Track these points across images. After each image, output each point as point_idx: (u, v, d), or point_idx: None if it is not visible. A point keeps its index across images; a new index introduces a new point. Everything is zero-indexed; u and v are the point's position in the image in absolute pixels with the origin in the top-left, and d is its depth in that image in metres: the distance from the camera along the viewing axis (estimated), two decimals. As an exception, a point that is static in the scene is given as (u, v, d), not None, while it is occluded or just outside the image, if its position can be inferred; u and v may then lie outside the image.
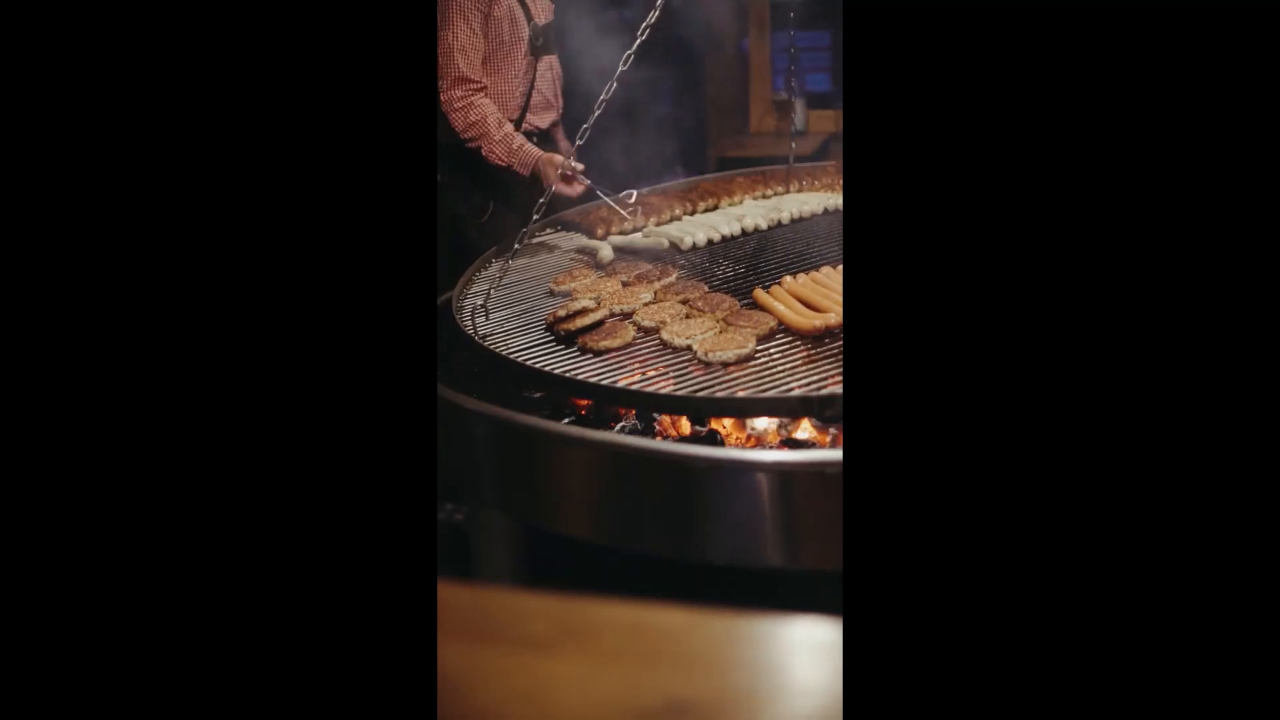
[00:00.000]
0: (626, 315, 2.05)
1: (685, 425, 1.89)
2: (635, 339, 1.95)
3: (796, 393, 1.68)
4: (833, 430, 1.82)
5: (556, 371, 1.87)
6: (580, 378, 1.83)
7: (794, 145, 3.01)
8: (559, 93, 3.08)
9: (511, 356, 1.93)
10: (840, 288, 2.04)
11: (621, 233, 2.63)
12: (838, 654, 0.63)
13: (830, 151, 4.11)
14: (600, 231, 2.63)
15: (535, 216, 2.20)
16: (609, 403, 1.86)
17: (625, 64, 2.04)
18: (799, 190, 2.90)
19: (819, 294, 2.01)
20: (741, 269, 2.33)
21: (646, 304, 2.09)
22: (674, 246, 2.49)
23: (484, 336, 2.04)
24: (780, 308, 1.97)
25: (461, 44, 2.81)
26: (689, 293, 2.11)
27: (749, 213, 2.68)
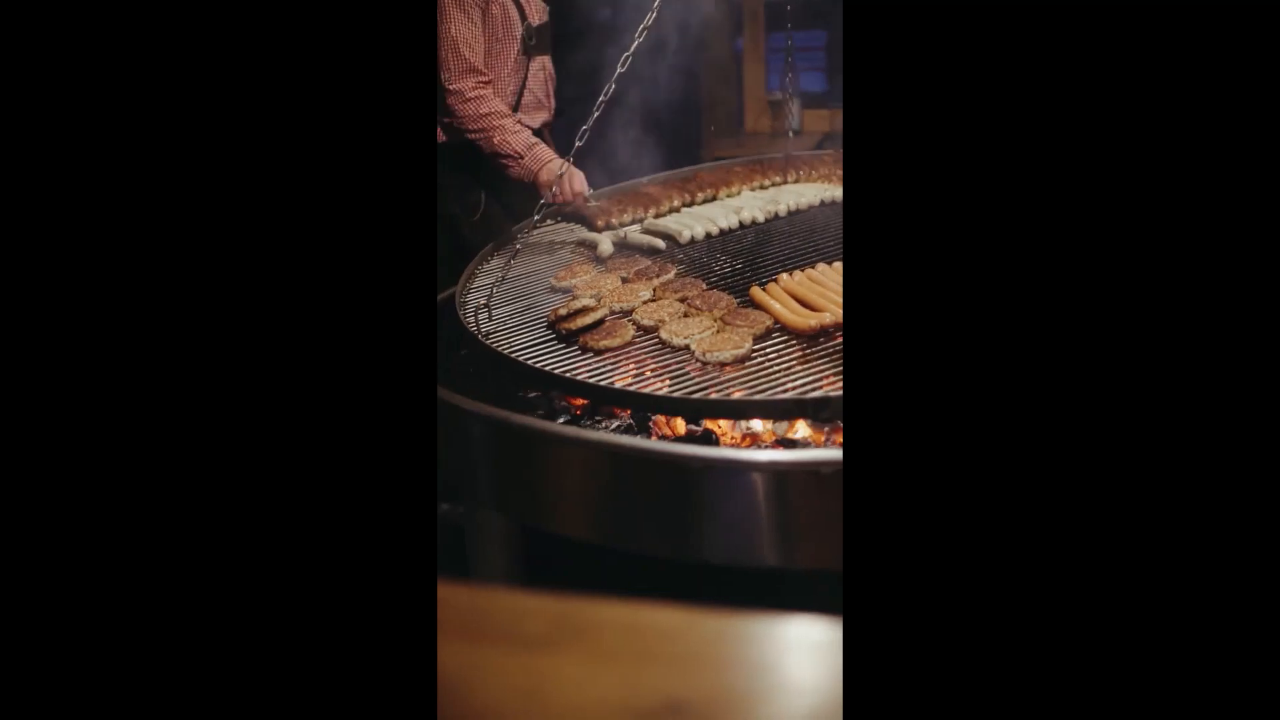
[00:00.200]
0: (626, 313, 2.07)
1: (681, 425, 1.90)
2: (634, 338, 1.97)
3: (791, 395, 1.69)
4: (828, 429, 1.83)
5: (557, 371, 1.87)
6: (580, 378, 1.83)
7: (791, 140, 3.01)
8: (551, 93, 3.07)
9: (515, 356, 1.94)
10: (835, 285, 2.05)
11: (621, 225, 2.64)
12: (833, 652, 0.63)
13: (825, 150, 4.10)
14: (600, 223, 2.64)
15: (535, 216, 2.20)
16: (607, 403, 1.86)
17: (623, 65, 2.04)
18: (796, 181, 2.91)
19: (815, 292, 2.02)
20: (739, 264, 2.33)
21: (645, 302, 2.10)
22: (672, 241, 2.50)
23: (487, 335, 2.05)
24: (776, 306, 1.98)
25: (465, 37, 2.80)
26: (687, 290, 2.12)
27: (746, 205, 2.68)
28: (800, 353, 1.85)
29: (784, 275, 2.15)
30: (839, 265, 2.17)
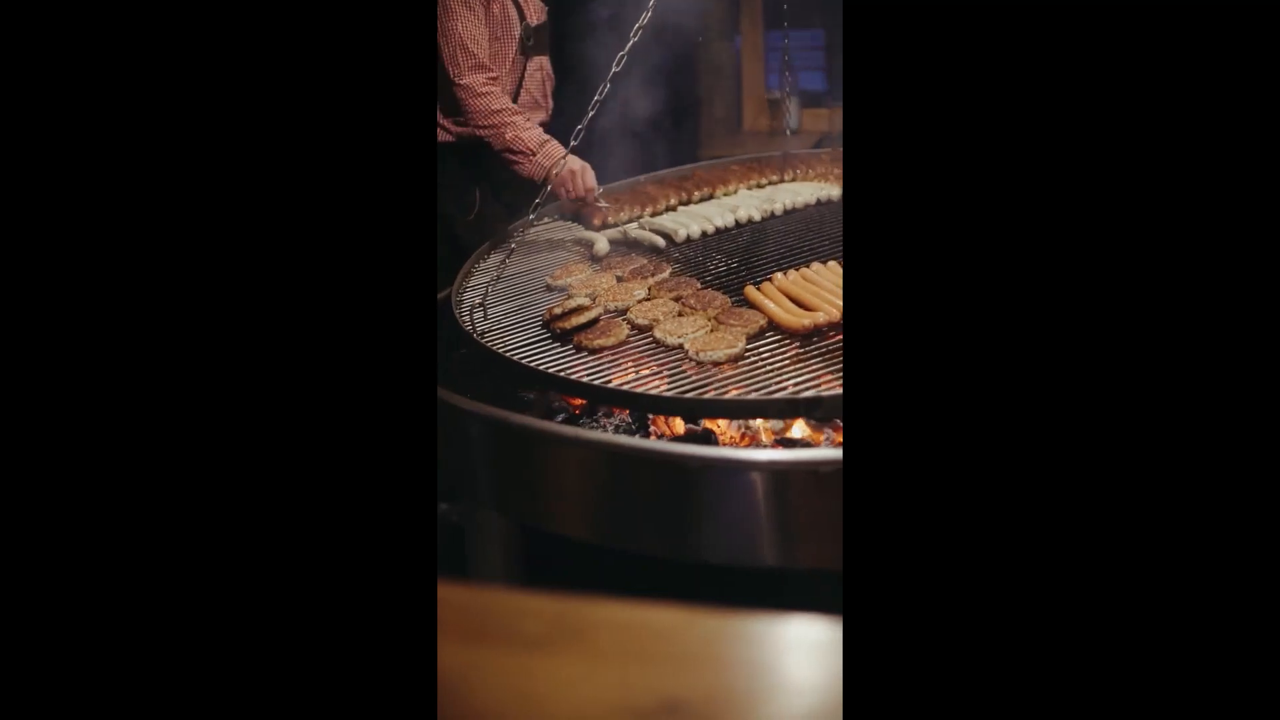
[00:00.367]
0: (620, 313, 2.07)
1: (680, 424, 1.90)
2: (629, 337, 1.97)
3: (785, 394, 1.68)
4: (827, 429, 1.83)
5: (550, 370, 1.87)
6: (573, 377, 1.84)
7: (789, 133, 3.00)
8: (548, 94, 3.06)
9: (509, 355, 1.94)
10: (830, 284, 2.05)
11: (617, 223, 2.64)
12: (832, 652, 0.63)
13: (823, 150, 4.11)
14: (597, 221, 2.64)
15: (530, 215, 2.21)
16: (599, 402, 1.86)
17: (618, 65, 2.04)
18: (793, 179, 2.91)
19: (808, 291, 2.03)
20: (734, 263, 2.34)
21: (640, 301, 2.10)
22: (668, 239, 2.50)
23: (483, 334, 2.05)
24: (770, 306, 1.99)
25: (472, 34, 2.79)
26: (682, 290, 2.13)
27: (743, 203, 2.68)
28: (794, 352, 1.85)
29: (778, 274, 2.16)
30: (834, 264, 2.17)
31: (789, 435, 1.84)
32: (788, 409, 1.70)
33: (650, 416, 1.91)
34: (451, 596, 0.71)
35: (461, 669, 0.63)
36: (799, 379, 1.73)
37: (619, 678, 0.62)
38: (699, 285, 2.16)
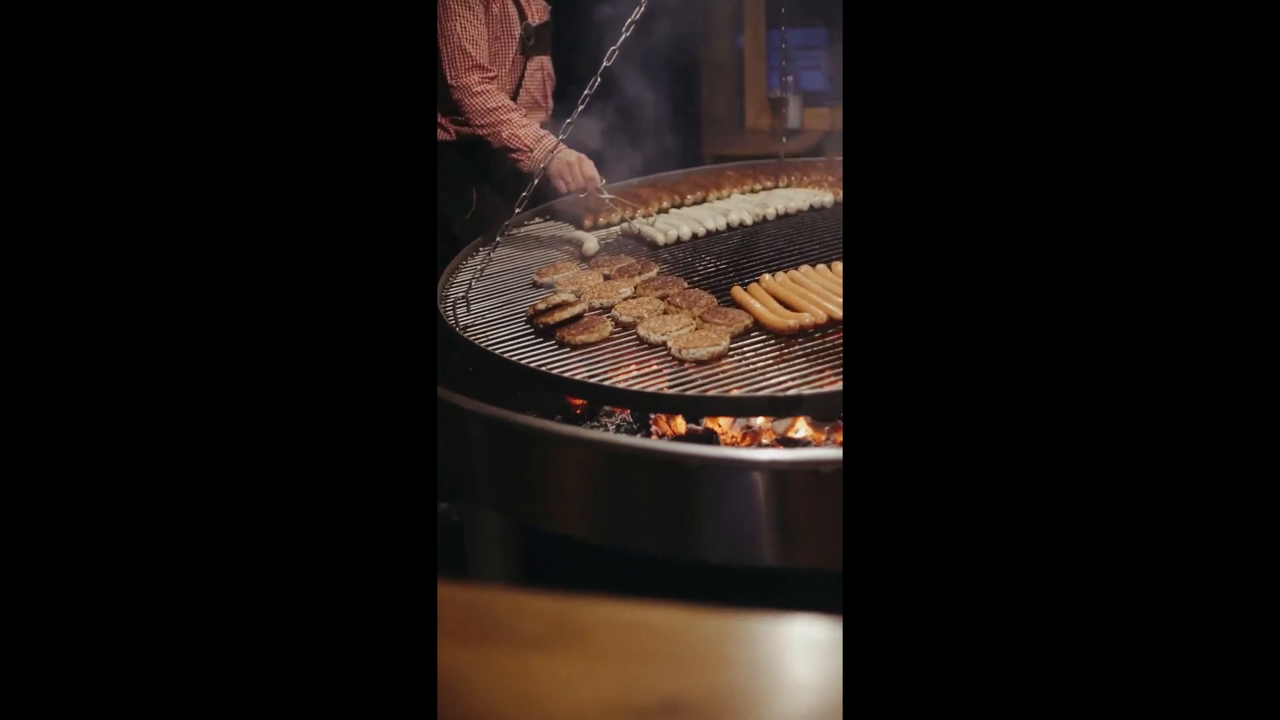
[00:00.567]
0: (606, 309, 2.06)
1: (680, 424, 1.90)
2: (612, 334, 1.96)
3: (765, 392, 1.67)
4: (828, 429, 1.83)
5: (529, 364, 1.86)
6: (551, 370, 1.83)
7: (784, 140, 3.00)
8: (549, 94, 3.06)
9: (488, 349, 1.94)
10: (818, 286, 2.04)
11: (608, 224, 2.64)
12: (832, 652, 0.63)
13: (825, 149, 4.11)
14: (588, 222, 2.64)
15: (517, 210, 2.20)
16: (561, 392, 1.85)
17: (609, 59, 2.04)
18: (788, 186, 2.90)
19: (796, 293, 2.01)
20: (723, 265, 2.32)
21: (626, 299, 2.09)
22: (655, 244, 2.49)
23: (464, 328, 2.05)
24: (757, 306, 1.97)
25: (471, 34, 2.80)
26: (668, 288, 2.12)
27: (735, 207, 2.67)
28: (777, 352, 1.83)
29: (766, 276, 2.14)
30: (823, 267, 2.16)
31: (790, 435, 1.84)
32: (767, 406, 1.69)
33: (651, 416, 1.90)
34: (451, 596, 0.71)
35: (461, 669, 0.63)
36: (780, 378, 1.72)
37: (619, 678, 0.62)
38: (686, 285, 2.15)
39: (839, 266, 2.15)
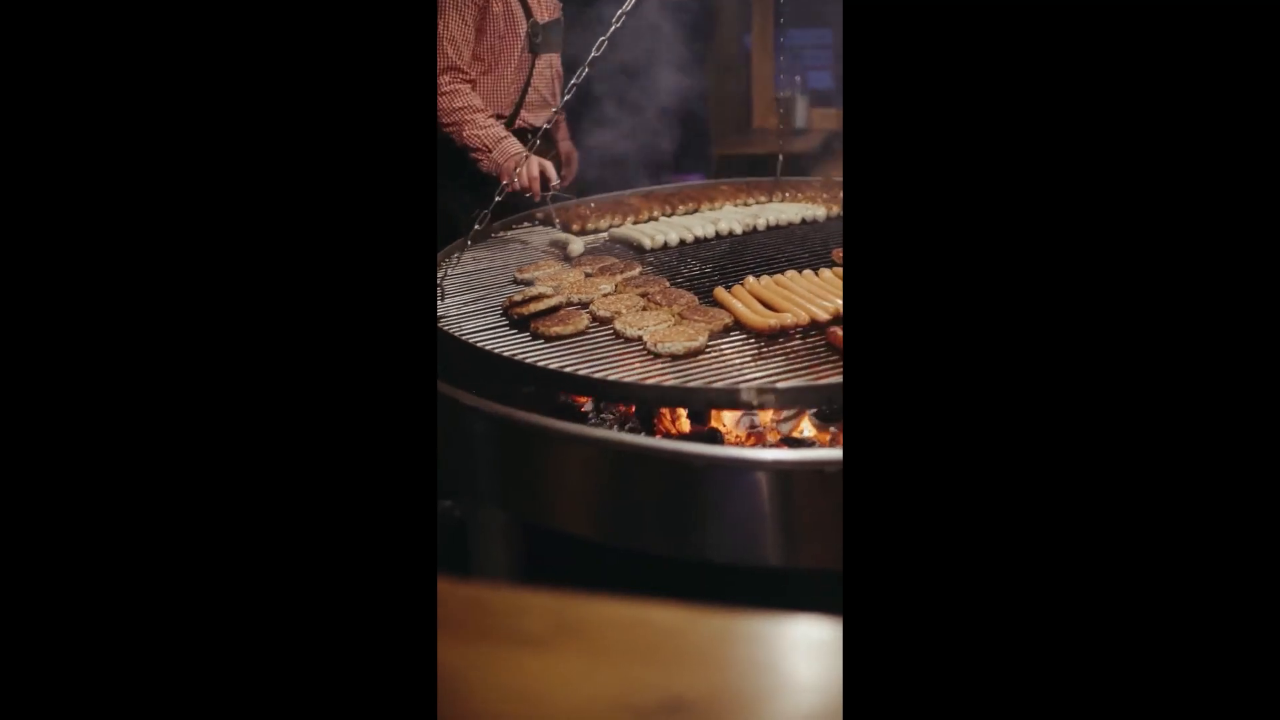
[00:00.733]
0: (584, 305, 2.04)
1: (684, 422, 1.89)
2: (588, 328, 1.94)
3: (722, 384, 1.65)
4: (833, 429, 1.82)
5: (491, 349, 1.85)
6: (515, 357, 1.82)
7: (782, 143, 3.00)
8: (558, 92, 3.04)
9: (459, 336, 1.93)
10: (802, 290, 2.02)
11: (596, 229, 2.64)
12: (835, 652, 0.63)
13: (832, 149, 4.10)
14: (576, 227, 2.64)
15: (486, 211, 2.19)
16: (527, 380, 1.84)
17: (598, 50, 2.02)
18: (782, 200, 2.88)
19: (779, 295, 1.99)
20: (709, 269, 2.30)
21: (605, 295, 2.08)
22: (641, 245, 2.49)
23: (438, 317, 2.04)
24: (737, 305, 1.94)
25: (451, 34, 2.82)
26: (649, 287, 2.09)
27: (725, 217, 2.65)
28: (756, 350, 1.81)
29: (750, 279, 2.11)
30: (809, 273, 2.14)
31: (794, 435, 1.83)
32: (729, 399, 1.66)
33: (656, 415, 1.90)
34: (453, 593, 0.70)
35: (462, 666, 0.63)
36: (757, 375, 1.69)
37: (621, 676, 0.62)
38: (668, 284, 2.12)
39: (826, 273, 2.13)
